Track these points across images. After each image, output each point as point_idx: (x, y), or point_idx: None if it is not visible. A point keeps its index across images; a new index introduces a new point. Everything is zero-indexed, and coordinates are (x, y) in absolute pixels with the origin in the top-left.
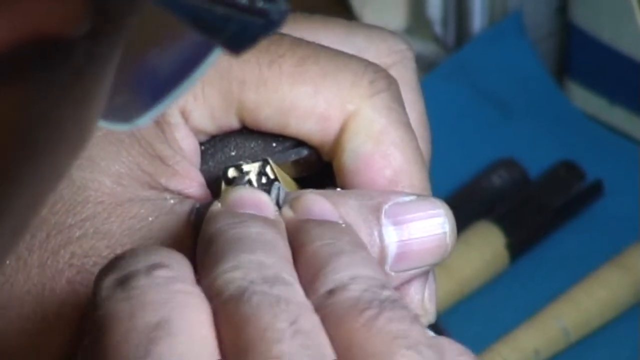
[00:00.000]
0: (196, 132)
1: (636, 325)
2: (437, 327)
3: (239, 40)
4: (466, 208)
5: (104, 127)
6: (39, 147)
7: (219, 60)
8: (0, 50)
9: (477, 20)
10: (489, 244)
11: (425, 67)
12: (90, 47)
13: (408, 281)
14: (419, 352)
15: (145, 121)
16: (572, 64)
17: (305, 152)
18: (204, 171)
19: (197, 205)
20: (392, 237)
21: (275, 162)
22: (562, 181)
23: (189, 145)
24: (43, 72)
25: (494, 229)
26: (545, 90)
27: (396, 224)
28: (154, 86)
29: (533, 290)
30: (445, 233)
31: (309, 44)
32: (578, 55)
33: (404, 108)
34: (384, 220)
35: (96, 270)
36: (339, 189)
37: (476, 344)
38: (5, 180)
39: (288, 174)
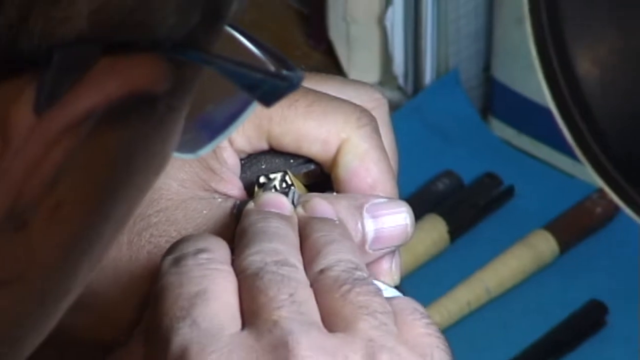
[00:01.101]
0: (238, 152)
1: (537, 287)
2: (400, 289)
3: (270, 96)
4: (420, 206)
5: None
6: (135, 173)
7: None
8: (111, 102)
9: (428, 75)
10: (435, 230)
11: (392, 108)
12: (170, 100)
13: (381, 257)
14: (375, 317)
15: (205, 152)
16: (493, 106)
17: (312, 166)
18: (242, 178)
19: (238, 203)
20: (370, 226)
21: (292, 173)
22: (486, 186)
23: (233, 160)
24: (138, 118)
25: (439, 220)
26: (474, 124)
27: (374, 217)
28: (212, 128)
29: (466, 263)
30: (407, 224)
31: (315, 92)
32: (497, 99)
33: (380, 137)
34: (365, 215)
35: (167, 246)
36: (334, 193)
37: (426, 300)
38: (112, 195)
39: (301, 182)
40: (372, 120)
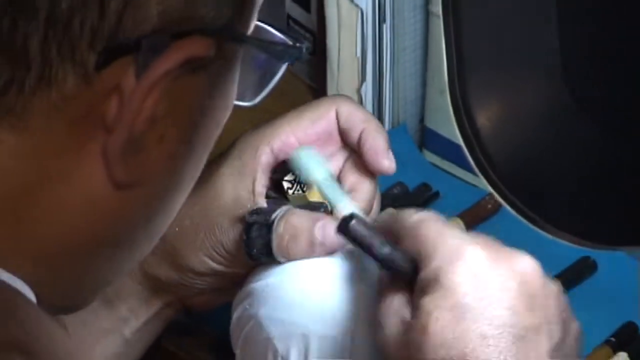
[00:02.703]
0: (265, 168)
1: None
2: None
3: (292, 59)
4: (384, 202)
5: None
6: (206, 114)
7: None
8: (180, 63)
9: (387, 126)
10: None
11: None
12: (220, 63)
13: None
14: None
15: (258, 100)
16: (425, 143)
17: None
18: (273, 177)
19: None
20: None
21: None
22: (422, 192)
23: (267, 159)
24: (200, 73)
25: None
26: (415, 154)
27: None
28: (260, 84)
29: None
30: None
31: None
32: (428, 139)
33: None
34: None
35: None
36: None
37: None
38: (194, 128)
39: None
40: (350, 98)
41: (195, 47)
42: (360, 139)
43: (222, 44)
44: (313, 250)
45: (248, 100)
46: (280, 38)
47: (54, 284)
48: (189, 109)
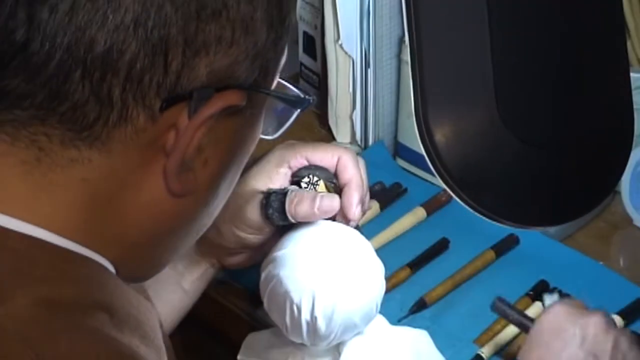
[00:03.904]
0: (294, 166)
1: (411, 240)
2: (360, 228)
3: (302, 107)
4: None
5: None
6: (238, 145)
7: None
8: (220, 109)
9: (371, 141)
10: (374, 207)
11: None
12: (251, 109)
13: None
14: None
15: (277, 135)
16: (398, 153)
17: (333, 179)
18: (294, 175)
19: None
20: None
21: (318, 176)
22: (395, 189)
23: (289, 167)
24: (235, 116)
25: (376, 203)
26: (390, 161)
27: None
28: (279, 123)
29: (388, 222)
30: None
31: (323, 144)
32: (400, 150)
33: (354, 155)
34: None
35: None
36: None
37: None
38: (230, 156)
39: (325, 184)
40: (351, 150)
41: (232, 98)
42: (344, 187)
43: (252, 96)
44: (313, 212)
45: (270, 135)
46: (294, 91)
47: (129, 262)
48: (226, 142)
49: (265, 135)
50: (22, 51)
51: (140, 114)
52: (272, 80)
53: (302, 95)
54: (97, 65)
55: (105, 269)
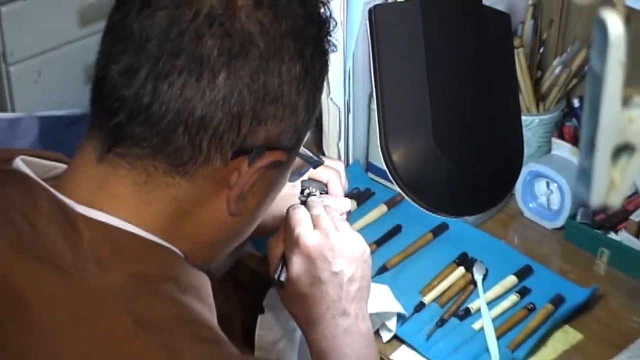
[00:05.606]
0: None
1: (380, 225)
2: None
3: (315, 165)
4: (351, 197)
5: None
6: (275, 187)
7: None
8: (269, 163)
9: (351, 161)
10: (353, 205)
11: None
12: (287, 163)
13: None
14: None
15: (295, 180)
16: (370, 169)
17: (326, 188)
18: (302, 185)
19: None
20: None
21: (315, 187)
22: (366, 193)
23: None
24: (278, 168)
25: (354, 202)
26: (363, 175)
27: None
28: (298, 173)
29: (360, 215)
30: (350, 207)
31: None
32: (371, 167)
33: (339, 176)
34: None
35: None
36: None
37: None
38: (269, 193)
39: (320, 191)
40: (337, 172)
41: (278, 156)
42: (329, 189)
43: (289, 155)
44: (345, 187)
45: (291, 181)
46: (309, 154)
47: (196, 254)
48: (268, 183)
49: (289, 181)
50: (146, 110)
51: (217, 159)
52: (300, 145)
53: (315, 158)
54: (194, 124)
55: (178, 255)
